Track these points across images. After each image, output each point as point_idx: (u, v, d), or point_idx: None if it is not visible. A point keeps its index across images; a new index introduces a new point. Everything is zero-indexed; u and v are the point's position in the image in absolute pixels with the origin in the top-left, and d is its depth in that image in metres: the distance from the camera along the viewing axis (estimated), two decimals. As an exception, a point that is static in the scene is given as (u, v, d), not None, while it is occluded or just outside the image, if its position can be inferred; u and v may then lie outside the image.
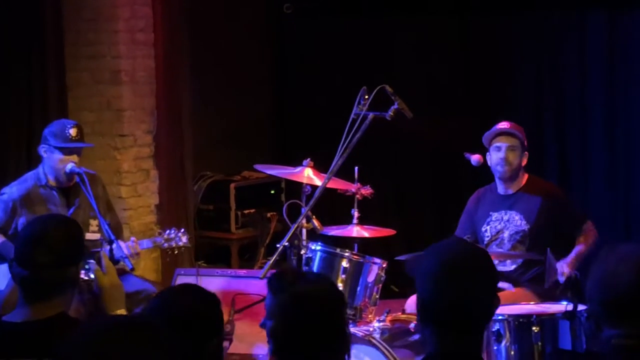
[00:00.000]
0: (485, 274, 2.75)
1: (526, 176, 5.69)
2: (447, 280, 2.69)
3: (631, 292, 2.67)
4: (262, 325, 2.99)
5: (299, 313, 2.90)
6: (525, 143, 5.65)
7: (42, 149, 5.68)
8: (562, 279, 5.33)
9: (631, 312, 2.68)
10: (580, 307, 4.50)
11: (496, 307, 2.80)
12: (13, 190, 5.69)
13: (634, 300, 2.67)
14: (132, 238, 5.81)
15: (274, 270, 3.23)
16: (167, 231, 5.88)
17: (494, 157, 5.62)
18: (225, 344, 5.65)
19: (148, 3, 7.04)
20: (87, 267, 3.33)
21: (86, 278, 3.33)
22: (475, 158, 5.62)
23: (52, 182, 5.70)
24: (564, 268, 5.35)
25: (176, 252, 5.99)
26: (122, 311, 3.37)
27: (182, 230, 5.92)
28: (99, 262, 3.40)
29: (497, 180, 5.72)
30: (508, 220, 5.65)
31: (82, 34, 6.94)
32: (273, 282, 2.98)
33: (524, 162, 5.66)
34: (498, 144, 5.61)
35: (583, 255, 5.45)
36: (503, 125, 5.66)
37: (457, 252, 2.77)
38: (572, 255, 5.45)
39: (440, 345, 2.71)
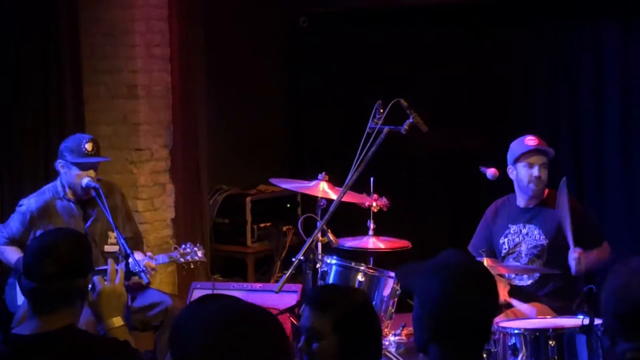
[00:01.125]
0: (488, 291, 2.75)
1: (547, 190, 5.66)
2: (452, 298, 2.68)
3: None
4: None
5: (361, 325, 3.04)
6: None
7: (59, 164, 5.70)
8: (574, 270, 5.28)
9: None
10: (597, 321, 4.47)
11: (491, 324, 2.82)
12: (31, 202, 5.71)
13: None
14: (149, 253, 5.81)
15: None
16: (183, 246, 5.87)
17: (524, 174, 5.57)
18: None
19: (164, 18, 7.04)
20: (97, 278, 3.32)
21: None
22: (490, 172, 5.58)
23: (69, 195, 5.72)
24: (576, 252, 5.30)
25: (192, 266, 5.98)
26: (117, 319, 3.32)
27: (198, 245, 5.91)
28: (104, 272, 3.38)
29: (519, 193, 5.67)
30: (527, 234, 5.62)
31: (99, 48, 6.95)
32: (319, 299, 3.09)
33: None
34: (530, 162, 5.56)
35: (595, 257, 5.42)
36: (531, 141, 5.59)
37: (459, 267, 2.76)
38: (586, 254, 5.39)
39: (435, 358, 2.70)
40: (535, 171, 5.55)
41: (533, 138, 5.63)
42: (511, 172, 5.63)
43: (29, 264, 3.06)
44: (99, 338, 3.22)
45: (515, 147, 5.63)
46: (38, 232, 5.60)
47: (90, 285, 3.23)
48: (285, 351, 2.22)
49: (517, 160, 5.61)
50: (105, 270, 3.32)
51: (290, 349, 2.31)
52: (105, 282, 3.27)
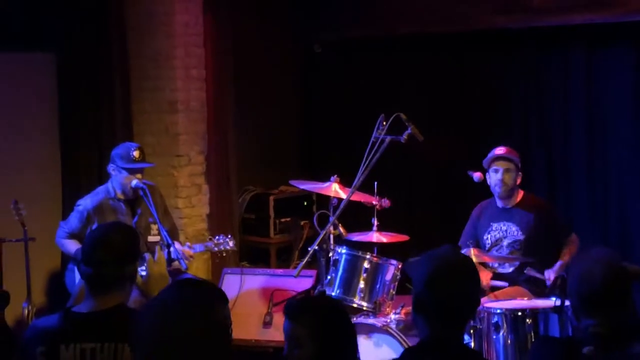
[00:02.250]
0: (467, 277, 2.81)
1: (521, 193, 5.66)
2: (434, 282, 2.74)
3: (603, 288, 2.67)
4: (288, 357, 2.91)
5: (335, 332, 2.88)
6: (520, 165, 5.62)
7: (111, 168, 5.71)
8: (548, 283, 5.32)
9: (603, 304, 2.68)
10: (567, 302, 4.46)
11: (477, 305, 2.86)
12: (87, 202, 5.72)
13: (605, 295, 2.68)
14: (187, 243, 5.82)
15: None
16: (217, 237, 5.87)
17: (493, 179, 5.59)
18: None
19: (200, 45, 7.05)
20: (144, 265, 3.33)
21: (144, 274, 3.33)
22: (476, 175, 5.61)
23: (119, 195, 5.72)
24: (550, 275, 5.34)
25: (224, 254, 5.99)
26: None
27: (230, 236, 5.91)
28: (153, 253, 3.40)
29: (495, 196, 5.69)
30: (506, 231, 5.62)
31: (145, 70, 6.95)
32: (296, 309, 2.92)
33: (519, 181, 5.63)
34: (496, 167, 5.59)
35: (566, 264, 5.41)
36: (500, 150, 5.63)
37: (445, 258, 2.82)
38: (558, 265, 5.42)
39: (429, 333, 2.77)
40: (499, 175, 5.56)
41: (503, 148, 5.64)
42: (487, 178, 5.64)
43: (86, 252, 3.07)
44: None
45: (487, 156, 5.65)
46: (93, 227, 5.63)
47: (142, 268, 3.24)
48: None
49: (488, 167, 5.63)
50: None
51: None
52: (154, 266, 3.29)
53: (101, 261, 3.02)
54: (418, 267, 2.81)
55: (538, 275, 5.33)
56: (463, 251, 5.15)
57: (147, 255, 3.33)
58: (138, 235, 3.23)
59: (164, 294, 2.26)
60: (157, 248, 3.46)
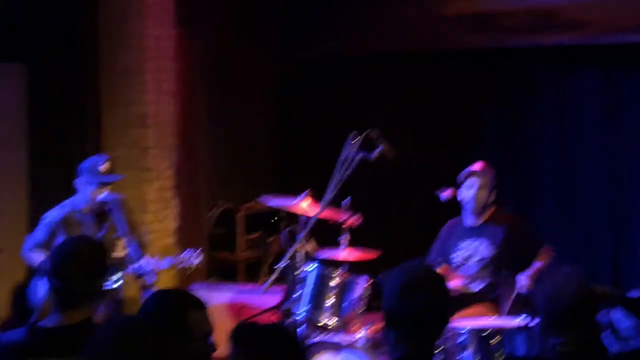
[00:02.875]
0: (436, 292, 2.79)
1: (492, 209, 5.68)
2: (404, 296, 2.73)
3: (572, 306, 2.69)
4: None
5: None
6: (494, 182, 5.65)
7: (78, 182, 5.67)
8: (523, 290, 5.30)
9: (572, 323, 2.70)
10: (535, 321, 4.49)
11: (447, 321, 2.83)
12: (54, 214, 5.68)
13: (574, 314, 2.70)
14: (156, 257, 5.78)
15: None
16: (185, 252, 5.83)
17: (466, 193, 5.61)
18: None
19: (172, 58, 7.04)
20: (112, 278, 3.32)
21: (112, 288, 3.32)
22: (444, 194, 5.61)
23: (86, 208, 5.68)
24: (523, 281, 5.33)
25: (192, 269, 5.94)
26: None
27: (198, 251, 5.87)
28: (124, 281, 3.40)
29: (465, 213, 5.69)
30: (475, 248, 5.62)
31: (115, 83, 6.91)
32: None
33: (492, 199, 5.65)
34: (470, 182, 5.61)
35: (540, 270, 5.42)
36: (476, 166, 5.65)
37: (414, 273, 2.81)
38: (531, 269, 5.41)
39: (400, 349, 2.75)
40: (473, 191, 5.58)
41: (479, 164, 5.67)
42: (459, 193, 5.65)
43: (55, 266, 3.05)
44: None
45: (463, 171, 5.68)
46: (59, 240, 5.57)
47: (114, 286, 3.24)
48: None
49: (461, 183, 5.65)
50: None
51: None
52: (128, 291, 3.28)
53: (69, 276, 3.01)
54: (389, 281, 2.81)
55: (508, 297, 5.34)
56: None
57: (122, 280, 3.33)
58: (107, 249, 3.22)
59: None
60: (128, 272, 3.45)
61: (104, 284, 3.13)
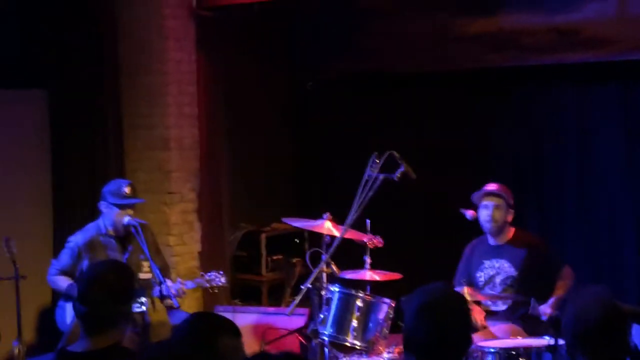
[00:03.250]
0: (457, 314, 2.77)
1: (513, 230, 5.69)
2: (424, 317, 2.72)
3: (599, 326, 2.68)
4: None
5: None
6: (511, 202, 5.65)
7: (102, 205, 5.72)
8: (544, 318, 5.30)
9: (599, 343, 2.69)
10: (561, 342, 4.47)
11: (469, 344, 2.80)
12: (78, 238, 5.73)
13: (601, 333, 2.69)
14: (179, 279, 5.81)
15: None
16: (209, 274, 5.87)
17: (483, 215, 5.62)
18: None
19: (193, 82, 7.09)
20: (139, 302, 3.33)
21: (138, 311, 3.34)
22: (469, 214, 5.63)
23: (110, 232, 5.73)
24: (546, 310, 5.34)
25: (216, 291, 5.97)
26: None
27: (221, 272, 5.91)
28: (151, 304, 3.41)
29: (486, 233, 5.71)
30: (499, 267, 5.62)
31: (138, 107, 6.98)
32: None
33: (510, 219, 5.65)
34: (485, 203, 5.62)
35: (562, 298, 5.42)
36: (491, 187, 5.66)
37: (434, 294, 2.79)
38: (553, 299, 5.43)
39: None
40: (489, 211, 5.59)
41: (493, 185, 5.67)
42: (478, 215, 5.66)
43: (81, 291, 3.07)
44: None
45: (477, 192, 5.68)
46: (84, 263, 5.62)
47: (143, 309, 3.25)
48: None
49: (478, 203, 5.66)
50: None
51: None
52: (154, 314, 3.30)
53: (96, 300, 3.02)
54: (409, 304, 2.80)
55: (538, 314, 5.33)
56: (456, 289, 5.16)
57: (147, 304, 3.35)
58: (133, 273, 3.23)
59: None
60: (155, 298, 3.46)
61: (131, 308, 3.14)
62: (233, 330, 2.39)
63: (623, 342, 2.74)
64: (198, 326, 2.26)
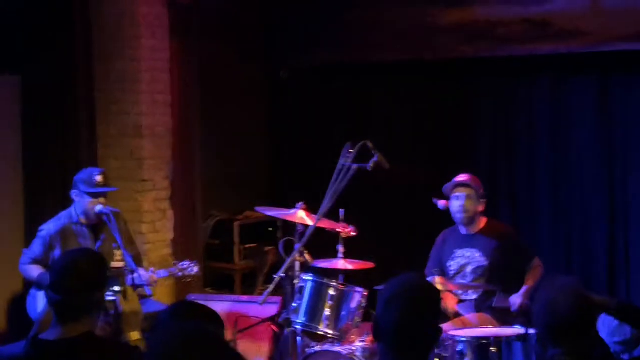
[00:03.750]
0: (426, 303, 2.75)
1: (485, 219, 5.72)
2: (392, 306, 2.71)
3: (569, 317, 2.70)
4: None
5: None
6: (482, 192, 5.68)
7: (74, 194, 5.69)
8: (515, 309, 5.36)
9: (570, 333, 2.72)
10: (531, 331, 4.52)
11: (438, 333, 2.79)
12: (50, 227, 5.69)
13: (571, 324, 2.71)
14: (151, 269, 5.80)
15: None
16: (182, 263, 5.86)
17: (454, 206, 5.65)
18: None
19: (166, 70, 7.06)
20: (112, 290, 3.33)
21: (111, 299, 3.33)
22: (441, 203, 5.67)
23: (82, 220, 5.70)
24: (517, 300, 5.39)
25: (188, 280, 5.97)
26: (135, 334, 3.36)
27: (195, 261, 5.90)
28: (123, 293, 3.40)
29: (456, 222, 5.75)
30: (470, 257, 5.66)
31: (110, 94, 6.94)
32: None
33: (481, 209, 5.69)
34: (457, 194, 5.65)
35: (533, 288, 5.47)
36: (461, 177, 5.69)
37: (404, 284, 2.78)
38: (524, 289, 5.49)
39: None
40: (460, 202, 5.62)
41: (464, 175, 5.71)
42: (449, 205, 5.69)
43: (54, 279, 3.06)
44: (114, 342, 3.24)
45: (448, 183, 5.72)
46: (56, 252, 5.60)
47: (116, 303, 3.24)
48: None
49: (450, 194, 5.69)
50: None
51: None
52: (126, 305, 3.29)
53: (70, 288, 3.01)
54: (379, 294, 2.82)
55: (505, 305, 5.38)
56: (428, 279, 5.20)
57: (118, 298, 3.34)
58: (106, 261, 3.23)
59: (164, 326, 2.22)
60: (127, 287, 3.46)
61: (104, 296, 3.14)
62: (214, 317, 2.38)
63: (592, 332, 2.77)
64: (179, 314, 2.23)
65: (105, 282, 3.15)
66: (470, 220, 5.65)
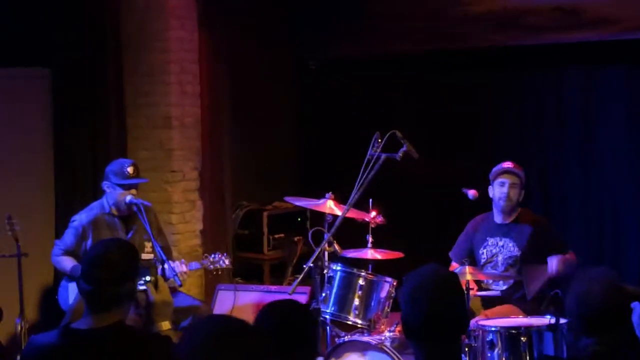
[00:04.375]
0: (452, 293, 2.74)
1: (520, 209, 5.69)
2: (417, 300, 2.69)
3: (601, 308, 2.69)
4: None
5: None
6: (524, 182, 5.65)
7: (105, 185, 5.73)
8: (553, 273, 5.29)
9: (603, 324, 2.71)
10: (562, 321, 4.49)
11: (466, 323, 2.78)
12: (82, 217, 5.74)
13: (604, 315, 2.70)
14: (182, 260, 5.82)
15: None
16: (213, 255, 5.88)
17: (497, 192, 5.61)
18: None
19: (195, 61, 7.08)
20: (143, 280, 3.34)
21: (142, 289, 3.34)
22: (471, 193, 5.62)
23: (114, 211, 5.74)
24: (554, 264, 5.33)
25: (219, 272, 5.99)
26: (166, 324, 3.38)
27: (225, 254, 5.92)
28: (154, 283, 3.42)
29: (495, 210, 5.70)
30: (502, 246, 5.63)
31: (140, 86, 6.98)
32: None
33: (521, 198, 5.66)
34: (502, 180, 5.61)
35: (568, 262, 5.41)
36: (508, 164, 5.66)
37: (426, 276, 2.75)
38: (559, 256, 5.42)
39: (420, 357, 2.70)
40: (505, 188, 5.58)
41: (510, 163, 5.68)
42: (490, 191, 5.66)
43: (85, 270, 3.08)
44: (145, 332, 3.25)
45: (495, 169, 5.68)
46: (88, 243, 5.64)
47: (147, 292, 3.25)
48: None
49: (494, 179, 5.65)
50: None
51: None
52: (157, 295, 3.31)
53: (101, 279, 3.03)
54: (402, 288, 2.80)
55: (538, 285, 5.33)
56: (458, 269, 5.18)
57: (149, 288, 3.36)
58: (137, 252, 3.24)
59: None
60: (159, 277, 3.48)
61: (135, 287, 3.15)
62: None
63: (626, 322, 2.75)
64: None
65: (137, 273, 3.16)
66: (511, 209, 5.61)
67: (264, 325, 2.86)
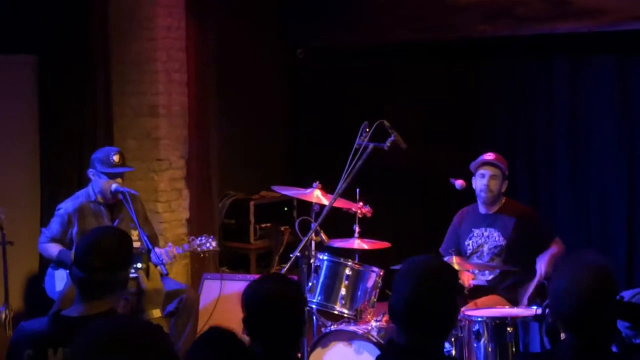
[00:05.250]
0: (441, 284, 2.79)
1: (504, 199, 5.75)
2: (405, 287, 2.76)
3: (580, 308, 2.72)
4: None
5: None
6: (507, 172, 5.71)
7: (91, 173, 5.75)
8: (542, 276, 5.39)
9: (581, 322, 2.74)
10: (548, 311, 4.54)
11: (455, 314, 2.84)
12: (68, 205, 5.76)
13: (582, 315, 2.73)
14: (169, 244, 5.86)
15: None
16: (199, 238, 5.91)
17: (479, 183, 5.67)
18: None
19: (182, 48, 7.10)
20: (134, 268, 3.38)
21: (134, 276, 3.38)
22: (459, 183, 5.68)
23: (99, 199, 5.76)
24: (542, 268, 5.41)
25: (205, 255, 6.01)
26: (157, 312, 3.42)
27: (212, 237, 5.96)
28: (146, 270, 3.46)
29: (478, 201, 5.77)
30: (488, 236, 5.68)
31: (126, 74, 7.00)
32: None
33: (504, 189, 5.71)
34: (482, 172, 5.66)
35: (556, 257, 5.49)
36: (488, 156, 5.71)
37: (416, 264, 2.83)
38: (547, 255, 5.49)
39: (401, 340, 2.77)
40: (485, 180, 5.65)
41: (491, 154, 5.73)
42: (473, 182, 5.73)
43: (78, 257, 3.10)
44: (136, 320, 3.29)
45: (475, 161, 5.74)
46: (74, 231, 5.67)
47: (138, 280, 3.30)
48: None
49: (475, 171, 5.72)
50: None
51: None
52: (148, 283, 3.35)
53: (94, 266, 3.06)
54: (395, 276, 2.86)
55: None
56: (445, 259, 5.24)
57: (140, 276, 3.40)
58: (131, 240, 3.26)
59: None
60: (150, 264, 3.53)
61: (128, 274, 3.19)
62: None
63: (610, 317, 2.78)
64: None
65: (130, 261, 3.19)
66: (493, 200, 5.67)
67: (252, 297, 3.00)
